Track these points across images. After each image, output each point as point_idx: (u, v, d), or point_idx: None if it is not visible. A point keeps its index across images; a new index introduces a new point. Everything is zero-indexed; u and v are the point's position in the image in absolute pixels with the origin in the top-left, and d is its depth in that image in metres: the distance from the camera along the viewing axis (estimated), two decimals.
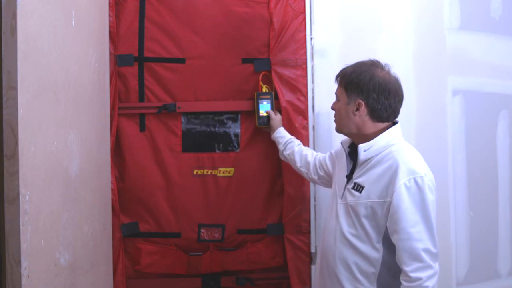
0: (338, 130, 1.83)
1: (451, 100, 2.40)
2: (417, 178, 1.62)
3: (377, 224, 1.68)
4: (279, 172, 2.30)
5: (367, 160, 1.72)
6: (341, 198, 1.79)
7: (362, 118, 1.73)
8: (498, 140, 2.49)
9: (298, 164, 2.13)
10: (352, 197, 1.73)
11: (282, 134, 2.19)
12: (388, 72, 1.75)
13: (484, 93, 2.45)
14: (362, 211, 1.69)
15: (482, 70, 2.45)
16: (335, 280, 1.76)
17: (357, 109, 1.73)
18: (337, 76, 1.83)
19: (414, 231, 1.59)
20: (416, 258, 1.58)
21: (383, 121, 1.74)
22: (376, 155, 1.71)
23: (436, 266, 1.60)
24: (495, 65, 2.47)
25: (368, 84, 1.71)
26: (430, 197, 1.62)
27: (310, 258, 2.28)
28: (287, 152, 2.16)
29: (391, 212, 1.63)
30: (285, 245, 2.28)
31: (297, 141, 2.18)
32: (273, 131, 2.22)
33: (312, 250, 2.28)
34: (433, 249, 1.60)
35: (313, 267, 2.26)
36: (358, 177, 1.74)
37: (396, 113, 1.76)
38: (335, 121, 1.84)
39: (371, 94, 1.70)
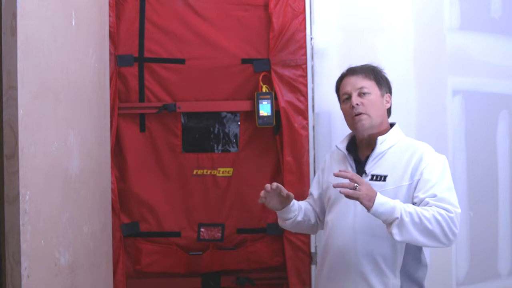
0: (371, 124, 1.76)
1: (451, 100, 2.40)
2: (442, 158, 1.73)
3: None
4: (278, 172, 2.30)
5: (382, 152, 1.75)
6: None
7: (385, 112, 1.83)
8: (498, 140, 2.49)
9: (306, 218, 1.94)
10: (374, 187, 1.64)
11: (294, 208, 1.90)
12: None
13: (484, 93, 2.45)
14: (391, 197, 1.63)
15: (482, 70, 2.45)
16: (359, 276, 1.70)
17: (387, 102, 1.83)
18: (362, 70, 1.82)
19: (444, 196, 1.62)
20: (445, 207, 1.60)
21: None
22: (391, 147, 1.76)
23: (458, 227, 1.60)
24: (495, 65, 2.47)
25: (389, 82, 1.86)
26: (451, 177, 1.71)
27: (309, 258, 2.27)
28: (298, 219, 1.92)
29: (420, 185, 1.66)
30: (284, 245, 2.27)
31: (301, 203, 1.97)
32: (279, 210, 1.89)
33: (312, 250, 2.27)
34: (459, 215, 1.61)
35: (313, 267, 2.25)
36: (374, 168, 1.74)
37: None
38: (365, 114, 1.76)
39: (391, 91, 1.86)
